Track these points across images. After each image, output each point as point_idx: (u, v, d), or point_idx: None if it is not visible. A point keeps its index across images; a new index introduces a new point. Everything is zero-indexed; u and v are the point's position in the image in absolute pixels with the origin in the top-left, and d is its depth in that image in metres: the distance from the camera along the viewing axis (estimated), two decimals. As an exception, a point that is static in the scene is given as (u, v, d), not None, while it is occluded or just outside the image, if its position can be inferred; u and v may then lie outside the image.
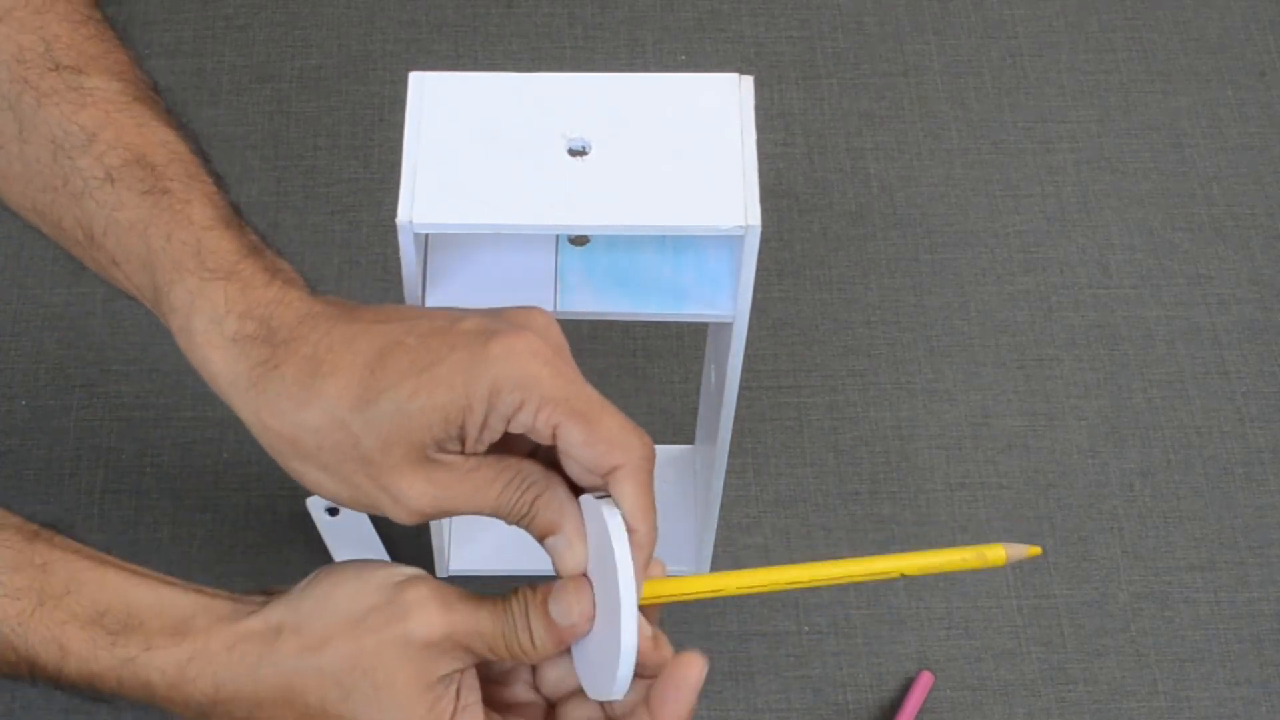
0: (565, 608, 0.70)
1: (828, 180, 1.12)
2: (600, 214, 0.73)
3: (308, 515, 0.98)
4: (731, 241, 0.77)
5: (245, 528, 0.98)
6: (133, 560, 0.97)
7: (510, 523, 0.71)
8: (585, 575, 0.70)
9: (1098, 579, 0.98)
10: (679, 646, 0.96)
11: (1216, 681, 0.95)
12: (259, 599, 0.72)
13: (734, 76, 0.77)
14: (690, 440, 0.99)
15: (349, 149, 1.12)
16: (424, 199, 0.73)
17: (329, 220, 1.09)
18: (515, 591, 0.71)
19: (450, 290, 0.78)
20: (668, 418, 1.02)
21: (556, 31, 1.17)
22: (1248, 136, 1.15)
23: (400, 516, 0.71)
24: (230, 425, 1.01)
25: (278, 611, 0.70)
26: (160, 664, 0.70)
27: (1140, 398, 1.04)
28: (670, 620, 0.96)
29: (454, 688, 0.69)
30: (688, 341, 1.04)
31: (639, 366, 1.04)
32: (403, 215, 0.73)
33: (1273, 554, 0.99)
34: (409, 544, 0.97)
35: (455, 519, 0.95)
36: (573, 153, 0.75)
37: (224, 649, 0.70)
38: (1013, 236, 1.10)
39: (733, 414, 0.84)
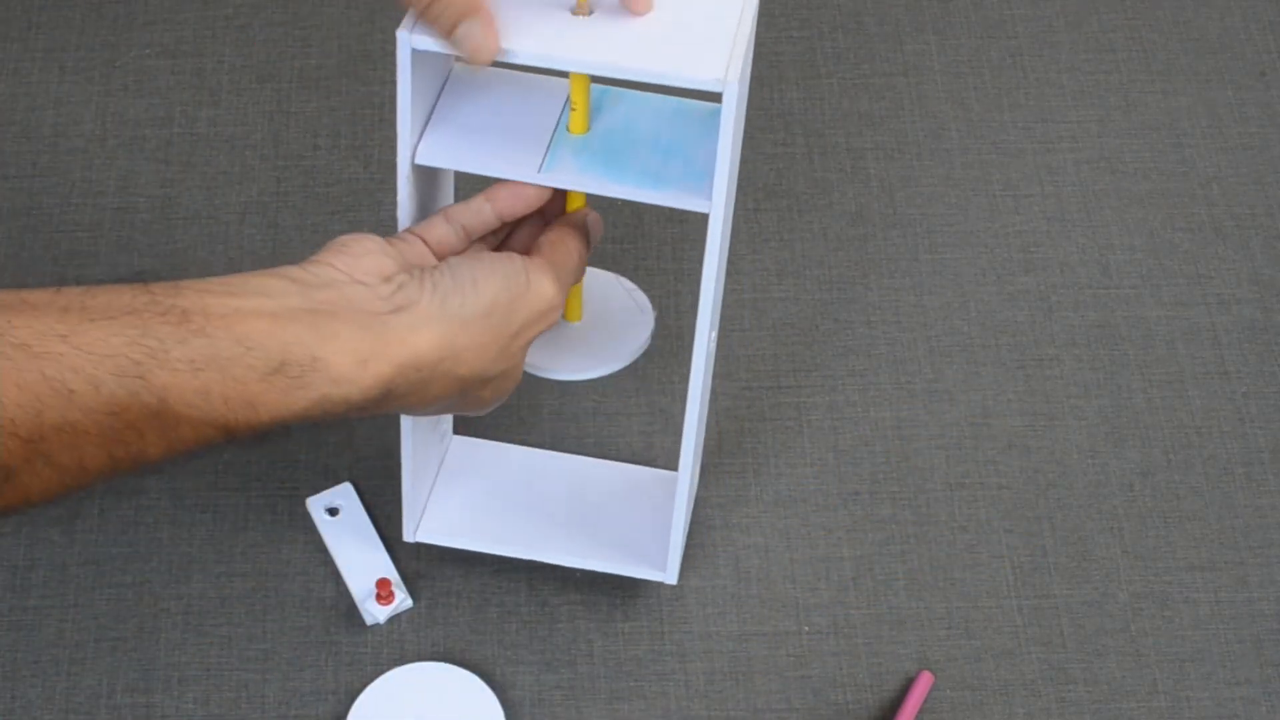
0: (469, 39, 0.77)
1: (828, 180, 1.12)
2: (586, 56, 0.76)
3: (308, 515, 0.98)
4: (717, 139, 0.78)
5: (245, 528, 0.98)
6: (133, 561, 0.97)
7: (420, 13, 0.76)
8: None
9: (1098, 579, 0.98)
10: (679, 645, 0.96)
11: (1216, 681, 0.95)
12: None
13: None
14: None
15: (349, 149, 1.12)
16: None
17: (329, 220, 1.09)
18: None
19: (443, 143, 0.81)
20: (668, 418, 1.02)
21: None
22: (1248, 136, 1.15)
23: None
24: (230, 425, 1.01)
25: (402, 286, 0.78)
26: (346, 392, 0.75)
27: (1140, 398, 1.04)
28: (669, 618, 0.96)
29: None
30: (688, 343, 1.04)
31: (639, 366, 1.04)
32: (404, 29, 0.76)
33: (1273, 554, 0.99)
34: (403, 547, 0.97)
35: (434, 493, 0.95)
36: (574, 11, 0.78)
37: (391, 343, 0.76)
38: (1013, 236, 1.10)
39: (704, 355, 0.85)
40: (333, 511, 0.98)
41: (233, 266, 1.06)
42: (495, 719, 0.92)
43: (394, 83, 1.14)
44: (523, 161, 0.81)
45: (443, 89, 0.83)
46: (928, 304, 1.07)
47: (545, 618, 0.96)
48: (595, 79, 0.82)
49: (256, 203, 1.09)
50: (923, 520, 1.00)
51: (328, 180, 1.10)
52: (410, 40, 0.76)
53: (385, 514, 0.98)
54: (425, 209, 0.85)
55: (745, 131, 1.11)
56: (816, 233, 1.10)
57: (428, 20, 0.76)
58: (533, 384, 1.03)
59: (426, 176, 0.84)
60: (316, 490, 0.99)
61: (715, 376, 1.02)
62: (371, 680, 0.92)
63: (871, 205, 1.11)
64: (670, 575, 0.94)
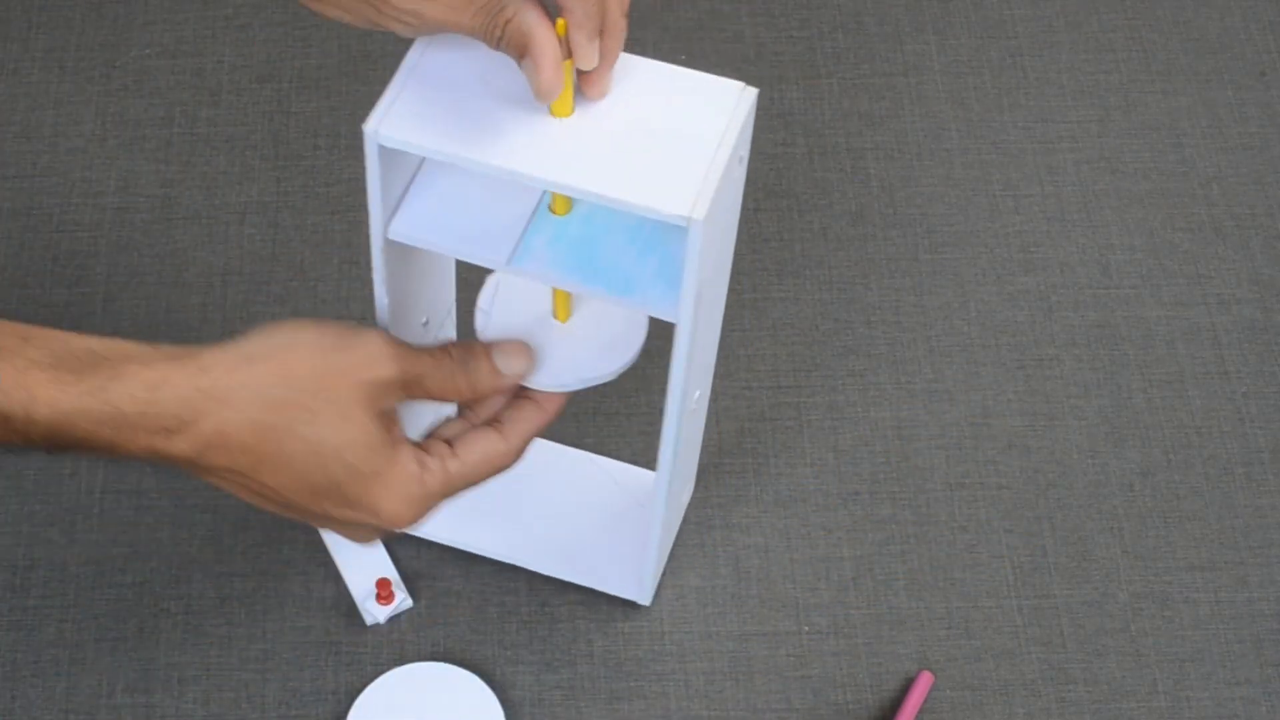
0: (511, 358, 0.81)
1: (828, 180, 1.12)
2: (556, 170, 0.74)
3: (308, 515, 0.98)
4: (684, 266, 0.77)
5: (245, 528, 0.98)
6: (133, 561, 0.97)
7: (494, 44, 0.75)
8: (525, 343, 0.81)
9: (1098, 579, 0.98)
10: (679, 645, 0.97)
11: (1216, 681, 0.95)
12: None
13: (739, 85, 0.78)
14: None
15: (349, 149, 1.12)
16: (397, 116, 0.75)
17: (329, 220, 1.09)
18: (451, 345, 0.81)
19: (415, 221, 0.79)
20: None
21: (556, 31, 1.17)
22: (1248, 136, 1.15)
23: (399, 31, 0.76)
24: (230, 425, 1.01)
25: (245, 346, 0.76)
26: (130, 389, 0.73)
27: (1140, 398, 1.04)
28: (669, 618, 0.96)
29: (395, 415, 0.79)
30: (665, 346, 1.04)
31: (639, 367, 1.04)
32: (371, 125, 0.75)
33: (1273, 554, 0.99)
34: (403, 547, 0.97)
35: None
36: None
37: (194, 373, 0.74)
38: (1013, 236, 1.10)
39: (676, 428, 0.84)
40: (333, 511, 0.98)
41: (232, 266, 1.07)
42: (495, 719, 0.92)
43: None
44: (494, 248, 0.79)
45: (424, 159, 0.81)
46: (928, 304, 1.07)
47: (545, 618, 0.96)
48: None
49: (256, 203, 1.09)
50: (923, 520, 1.00)
51: (328, 180, 1.10)
52: (377, 136, 0.75)
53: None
54: (403, 282, 0.83)
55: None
56: (816, 233, 1.10)
57: (503, 50, 0.75)
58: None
59: (405, 255, 0.82)
60: (316, 490, 0.99)
61: (715, 376, 1.02)
62: (371, 680, 0.92)
63: (871, 205, 1.11)
64: (645, 597, 0.95)
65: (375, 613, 0.94)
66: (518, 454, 0.82)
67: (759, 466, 1.01)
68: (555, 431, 1.01)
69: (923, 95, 1.16)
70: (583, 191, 0.74)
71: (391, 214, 0.79)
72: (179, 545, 0.97)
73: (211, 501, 0.99)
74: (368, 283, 1.07)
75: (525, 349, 0.82)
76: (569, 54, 0.74)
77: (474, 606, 0.96)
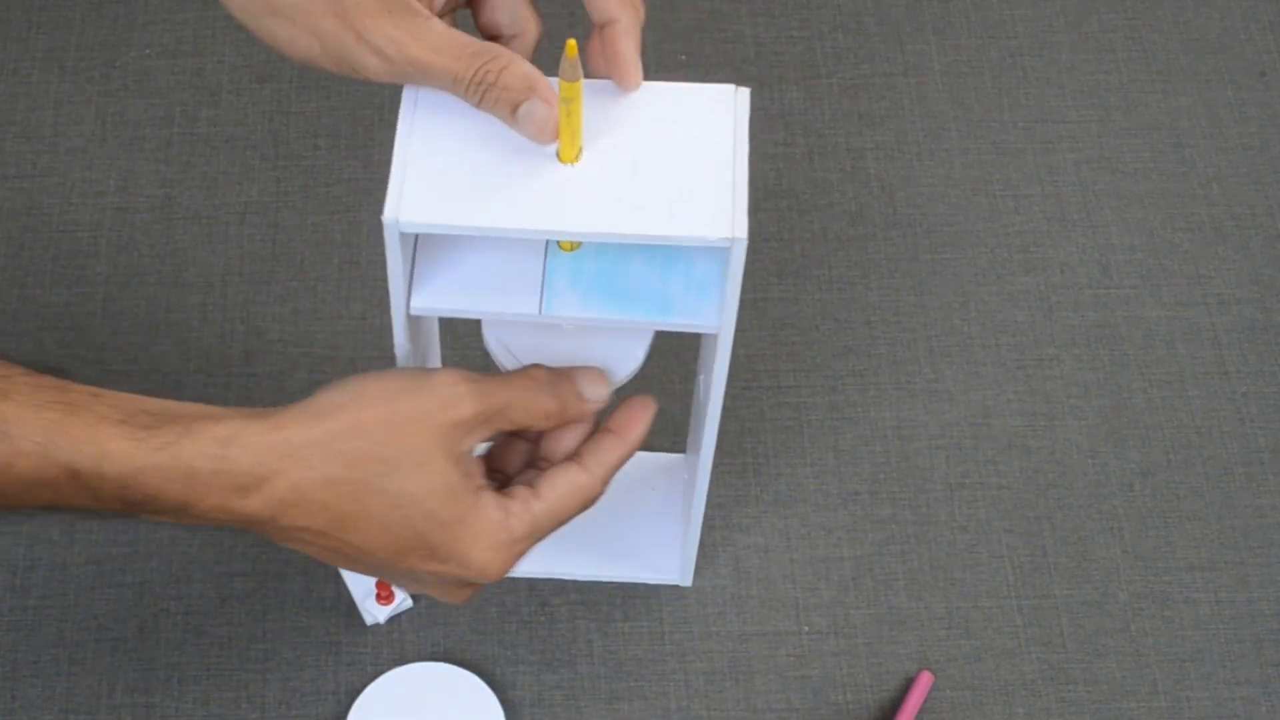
0: (593, 385, 0.80)
1: (828, 180, 1.12)
2: (586, 220, 0.73)
3: (308, 515, 0.98)
4: (720, 253, 0.76)
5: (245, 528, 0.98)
6: (133, 561, 0.97)
7: (475, 97, 0.73)
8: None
9: (1098, 579, 0.98)
10: (679, 645, 0.97)
11: (1216, 681, 0.95)
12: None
13: (730, 88, 0.77)
14: (682, 448, 0.99)
15: (349, 149, 1.12)
16: (411, 198, 0.73)
17: (329, 220, 1.09)
18: (534, 368, 0.79)
19: (436, 291, 0.78)
20: (666, 419, 1.02)
21: (557, 32, 1.17)
22: (1248, 136, 1.15)
23: (370, 68, 0.73)
24: (230, 425, 1.01)
25: (317, 402, 0.74)
26: (202, 445, 0.72)
27: (1140, 398, 1.04)
28: (669, 618, 0.96)
29: (476, 462, 0.77)
30: (687, 342, 1.04)
31: (640, 367, 1.04)
32: (389, 213, 0.73)
33: (1273, 554, 0.99)
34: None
35: None
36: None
37: (268, 429, 0.73)
38: (1013, 236, 1.10)
39: (717, 426, 0.84)
40: (333, 511, 0.98)
41: (232, 266, 1.07)
42: (495, 719, 0.92)
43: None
44: (522, 300, 0.77)
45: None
46: (928, 304, 1.07)
47: (545, 618, 0.96)
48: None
49: (256, 203, 1.09)
50: (923, 520, 1.00)
51: (328, 180, 1.10)
52: (398, 225, 0.73)
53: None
54: (422, 348, 0.82)
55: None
56: (816, 233, 1.10)
57: (485, 107, 0.74)
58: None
59: (419, 320, 0.81)
60: (316, 490, 0.99)
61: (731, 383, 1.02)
62: (371, 680, 0.92)
63: (871, 205, 1.11)
64: (687, 579, 0.95)
65: (375, 613, 0.94)
66: (602, 486, 0.80)
67: (759, 466, 1.01)
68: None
69: (923, 95, 1.16)
70: (622, 236, 0.73)
71: (408, 287, 0.78)
72: (179, 545, 0.97)
73: (211, 501, 0.99)
74: (368, 283, 1.07)
75: (603, 376, 0.80)
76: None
77: (474, 606, 0.96)
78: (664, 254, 0.78)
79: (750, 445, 1.02)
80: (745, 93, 0.77)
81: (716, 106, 0.76)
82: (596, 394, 0.80)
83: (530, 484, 0.79)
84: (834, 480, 1.01)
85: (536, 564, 0.95)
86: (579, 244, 0.79)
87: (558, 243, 0.79)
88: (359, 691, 0.92)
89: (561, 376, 0.79)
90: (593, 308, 0.77)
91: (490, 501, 0.77)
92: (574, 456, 0.80)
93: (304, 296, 1.06)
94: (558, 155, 0.74)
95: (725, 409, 1.03)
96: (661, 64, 1.16)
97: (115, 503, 0.73)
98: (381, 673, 0.93)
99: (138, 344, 1.04)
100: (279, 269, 1.07)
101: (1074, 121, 1.15)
